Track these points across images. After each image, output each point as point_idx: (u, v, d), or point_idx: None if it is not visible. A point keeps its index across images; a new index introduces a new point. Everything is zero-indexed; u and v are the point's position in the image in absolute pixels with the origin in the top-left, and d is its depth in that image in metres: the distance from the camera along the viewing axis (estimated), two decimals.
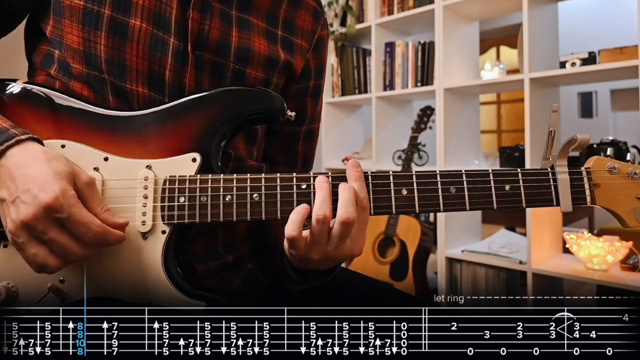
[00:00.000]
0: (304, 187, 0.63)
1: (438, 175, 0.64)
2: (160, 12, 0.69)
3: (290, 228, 0.60)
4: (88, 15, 0.68)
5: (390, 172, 0.64)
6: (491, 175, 0.64)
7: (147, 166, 0.64)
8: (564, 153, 0.64)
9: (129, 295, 0.62)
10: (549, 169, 0.65)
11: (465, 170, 0.64)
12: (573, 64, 2.08)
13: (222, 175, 0.63)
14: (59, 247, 0.55)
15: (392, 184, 0.63)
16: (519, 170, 0.65)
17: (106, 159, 0.64)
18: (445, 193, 0.64)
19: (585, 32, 4.18)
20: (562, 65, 2.11)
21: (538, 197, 0.64)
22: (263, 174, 0.64)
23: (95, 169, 0.63)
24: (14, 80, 0.67)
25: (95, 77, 0.69)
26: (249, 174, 0.64)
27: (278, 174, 0.63)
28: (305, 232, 0.61)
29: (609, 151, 0.67)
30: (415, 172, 0.65)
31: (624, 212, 0.64)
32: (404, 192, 0.64)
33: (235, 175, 0.63)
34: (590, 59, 2.05)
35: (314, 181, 0.63)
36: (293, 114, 0.70)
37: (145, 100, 0.69)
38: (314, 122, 0.90)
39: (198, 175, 0.64)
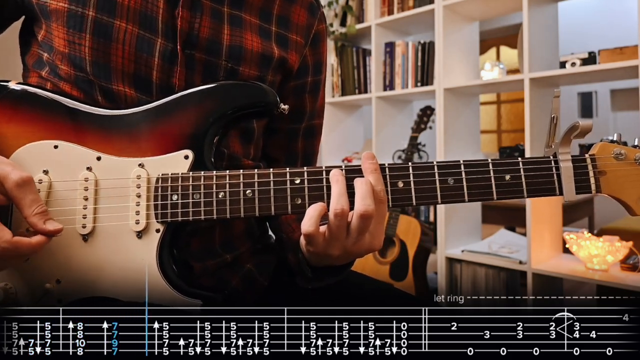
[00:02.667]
0: (297, 182, 0.62)
1: (435, 167, 0.62)
2: (147, 12, 0.69)
3: (307, 224, 0.59)
4: (72, 17, 0.67)
5: (386, 165, 0.63)
6: (490, 165, 0.62)
7: (140, 164, 0.64)
8: (567, 140, 0.62)
9: (125, 295, 0.62)
10: (551, 157, 0.63)
11: (464, 161, 0.63)
12: (573, 64, 2.08)
13: (214, 172, 0.63)
14: None
15: (387, 176, 0.62)
16: (519, 159, 0.62)
17: (99, 159, 0.64)
18: (443, 185, 0.62)
19: (585, 32, 4.18)
20: (562, 65, 2.11)
21: (540, 187, 0.62)
22: (256, 170, 0.63)
23: (88, 168, 0.63)
24: (7, 81, 0.67)
25: (82, 78, 0.69)
26: (242, 170, 0.63)
27: (271, 169, 0.63)
28: (323, 228, 0.60)
29: (615, 136, 0.64)
30: (412, 164, 0.63)
31: (631, 200, 0.62)
32: (400, 184, 0.62)
33: (227, 171, 0.63)
34: (590, 59, 2.05)
35: (308, 175, 0.62)
36: (286, 107, 0.69)
37: (133, 101, 0.69)
38: (314, 119, 0.90)
39: (190, 173, 0.63)
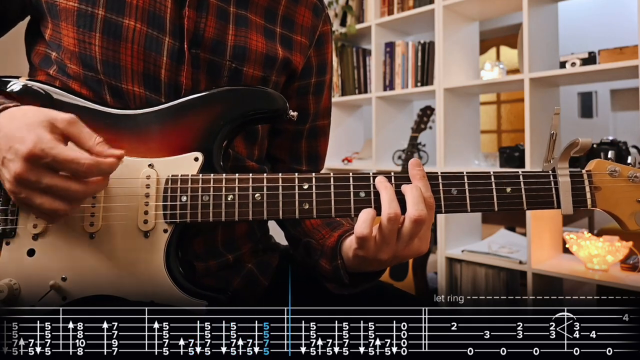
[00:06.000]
0: (305, 187, 0.63)
1: (440, 177, 0.64)
2: (155, 12, 0.69)
3: (362, 227, 0.60)
4: (82, 16, 0.68)
5: (392, 174, 0.64)
6: (492, 177, 0.64)
7: (150, 165, 0.64)
8: (566, 156, 0.64)
9: (131, 294, 0.62)
10: (550, 172, 0.65)
11: (467, 172, 0.64)
12: (573, 64, 2.08)
13: (224, 174, 0.64)
14: (59, 190, 0.55)
15: (393, 185, 0.63)
16: (520, 172, 0.65)
17: None
18: (446, 195, 0.64)
19: (585, 32, 4.17)
20: (562, 65, 2.11)
21: (539, 200, 0.64)
22: (265, 174, 0.64)
23: None
24: (17, 77, 0.67)
25: (92, 77, 0.69)
26: (250, 174, 0.64)
27: (280, 174, 0.64)
28: (374, 232, 0.61)
29: (610, 154, 0.66)
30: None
31: (624, 215, 0.64)
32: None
33: (237, 175, 0.64)
34: (590, 59, 2.05)
35: (316, 181, 0.63)
36: (295, 113, 0.70)
37: (141, 100, 0.69)
38: (318, 120, 0.90)
39: (200, 175, 0.64)
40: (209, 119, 0.66)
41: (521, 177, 0.64)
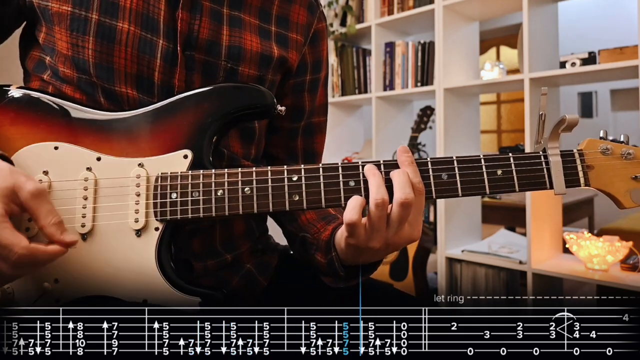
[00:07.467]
0: (295, 179, 0.63)
1: (429, 163, 0.64)
2: (148, 14, 0.69)
3: (350, 213, 0.60)
4: (76, 20, 0.68)
5: (381, 162, 0.64)
6: (482, 160, 0.64)
7: (139, 164, 0.64)
8: (555, 135, 0.63)
9: (124, 293, 0.62)
10: (540, 152, 0.64)
11: (457, 156, 0.64)
12: (573, 64, 2.08)
13: (213, 170, 0.64)
14: None
15: (382, 172, 0.63)
16: (510, 154, 0.64)
17: (99, 159, 0.64)
18: (437, 180, 0.63)
19: (585, 32, 4.18)
20: (562, 65, 2.11)
21: (531, 181, 0.63)
22: (254, 168, 0.64)
23: (88, 168, 0.64)
24: (8, 86, 0.68)
25: (85, 80, 0.70)
26: (240, 169, 0.64)
27: (269, 167, 0.64)
28: (364, 220, 0.61)
29: (602, 132, 0.65)
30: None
31: (619, 193, 0.63)
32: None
33: (226, 170, 0.64)
34: (590, 59, 2.05)
35: (305, 173, 0.63)
36: (283, 108, 0.70)
37: (135, 102, 0.70)
38: (313, 117, 0.89)
39: (189, 172, 0.64)
40: (196, 117, 0.67)
41: (512, 159, 0.64)
